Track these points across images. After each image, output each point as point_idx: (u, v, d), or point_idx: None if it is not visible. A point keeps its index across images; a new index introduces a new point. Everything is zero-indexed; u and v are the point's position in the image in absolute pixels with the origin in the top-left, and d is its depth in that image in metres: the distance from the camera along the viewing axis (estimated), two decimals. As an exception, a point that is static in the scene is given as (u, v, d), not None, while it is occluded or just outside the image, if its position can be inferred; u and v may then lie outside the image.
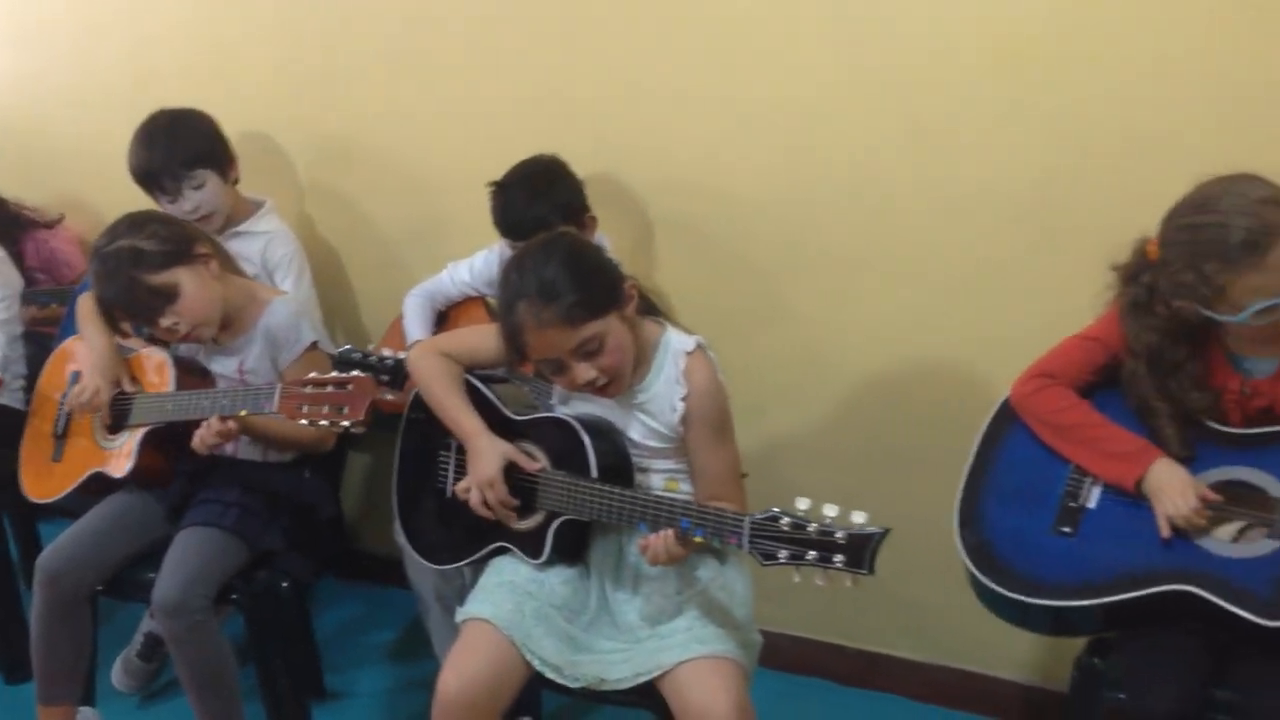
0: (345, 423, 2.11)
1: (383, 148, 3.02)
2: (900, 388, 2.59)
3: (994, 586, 1.98)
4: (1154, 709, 1.82)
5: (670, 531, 1.85)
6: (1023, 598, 1.95)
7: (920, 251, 2.50)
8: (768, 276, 2.66)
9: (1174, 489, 1.90)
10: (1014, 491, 2.05)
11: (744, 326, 2.71)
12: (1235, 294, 1.83)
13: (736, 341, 2.71)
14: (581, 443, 1.99)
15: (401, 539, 2.26)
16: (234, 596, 2.39)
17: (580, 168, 2.60)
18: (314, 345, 2.50)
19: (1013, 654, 2.62)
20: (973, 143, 2.40)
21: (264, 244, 2.88)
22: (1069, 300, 2.12)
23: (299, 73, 3.04)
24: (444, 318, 2.82)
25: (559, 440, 2.03)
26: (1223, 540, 1.89)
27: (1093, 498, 2.00)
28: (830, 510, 1.74)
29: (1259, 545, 1.86)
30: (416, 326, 2.75)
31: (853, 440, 2.67)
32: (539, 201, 2.50)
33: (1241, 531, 1.89)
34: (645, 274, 2.75)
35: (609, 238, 2.67)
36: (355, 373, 2.15)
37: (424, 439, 2.20)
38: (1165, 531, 1.89)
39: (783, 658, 2.84)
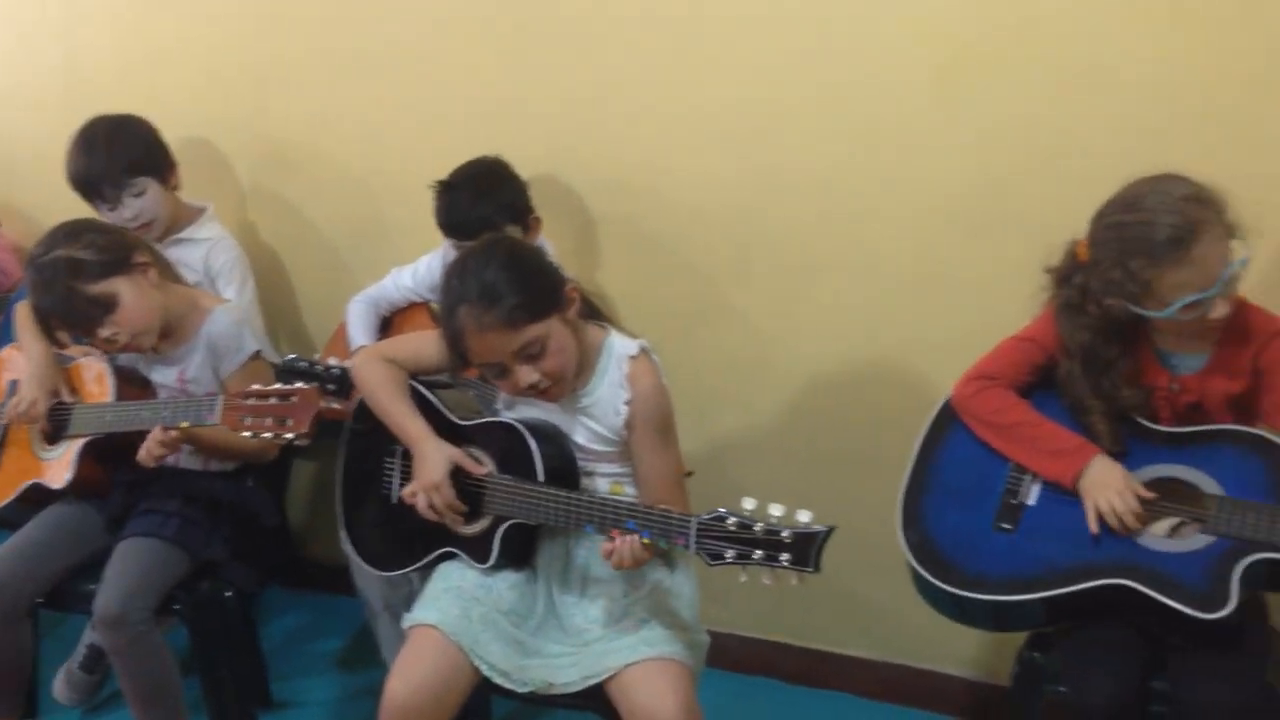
0: (289, 435, 2.09)
1: (325, 151, 3.00)
2: (846, 388, 2.62)
3: (936, 583, 2.01)
4: (1092, 700, 1.86)
5: (635, 536, 1.85)
6: (964, 593, 1.98)
7: (864, 254, 2.53)
8: (712, 278, 2.68)
9: (1110, 486, 1.93)
10: (955, 490, 2.08)
11: (689, 328, 2.72)
12: (1162, 290, 1.88)
13: (681, 343, 2.73)
14: (528, 447, 1.99)
15: (347, 547, 2.24)
16: (176, 607, 2.37)
17: (524, 169, 2.60)
18: (256, 354, 2.47)
19: (959, 650, 2.65)
20: (915, 147, 2.43)
21: (206, 251, 2.85)
22: (1010, 300, 2.15)
23: (237, 77, 3.01)
24: (388, 323, 2.81)
25: (505, 444, 2.03)
26: (1158, 535, 1.93)
27: (1032, 495, 2.04)
28: (776, 510, 1.75)
29: (1193, 540, 1.90)
30: (360, 333, 2.73)
31: (798, 440, 2.69)
32: (484, 202, 2.50)
33: (1176, 527, 1.93)
34: (590, 276, 2.76)
35: (552, 241, 2.68)
36: (299, 384, 2.13)
37: (369, 446, 2.19)
38: (1094, 526, 1.93)
39: (731, 658, 2.85)
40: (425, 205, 2.61)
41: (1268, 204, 2.04)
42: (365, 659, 2.80)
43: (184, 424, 2.22)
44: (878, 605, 2.68)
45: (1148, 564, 1.89)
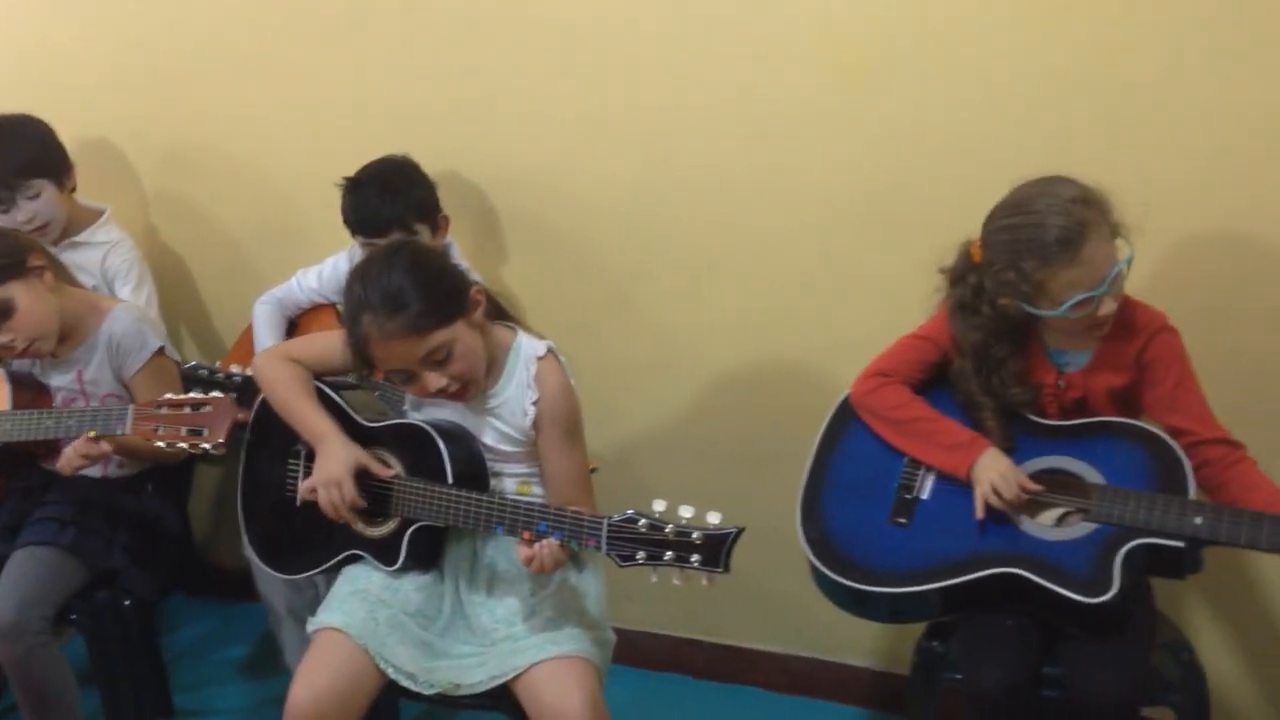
0: (206, 445, 2.06)
1: (227, 152, 2.97)
2: (750, 385, 2.66)
3: (835, 577, 2.04)
4: (985, 687, 1.91)
5: (553, 540, 1.85)
6: (861, 587, 2.02)
7: (765, 251, 2.57)
8: (616, 277, 2.70)
9: (998, 476, 1.99)
10: (853, 486, 2.13)
11: (595, 327, 2.74)
12: (1053, 289, 1.94)
13: (588, 342, 2.74)
14: (436, 448, 1.99)
15: (249, 551, 2.21)
16: (73, 617, 2.32)
17: (429, 169, 2.60)
18: (160, 351, 2.44)
19: (864, 641, 2.70)
20: (813, 146, 2.48)
21: (103, 254, 2.81)
22: (909, 298, 2.20)
23: (136, 77, 2.96)
24: (294, 325, 2.78)
25: (413, 446, 2.02)
26: (1046, 525, 1.99)
27: (926, 489, 2.09)
28: (686, 511, 1.77)
29: (1078, 528, 1.96)
30: (267, 334, 2.70)
31: (705, 437, 2.72)
32: (393, 199, 2.49)
33: (1062, 517, 2.00)
34: (495, 276, 2.76)
35: (458, 242, 2.67)
36: (216, 393, 2.10)
37: (271, 448, 2.17)
38: (980, 513, 1.99)
39: (644, 654, 2.88)
40: (330, 205, 2.59)
41: (1150, 204, 2.13)
42: (270, 666, 2.77)
43: (91, 433, 2.17)
44: (784, 600, 2.72)
45: (1035, 553, 1.94)
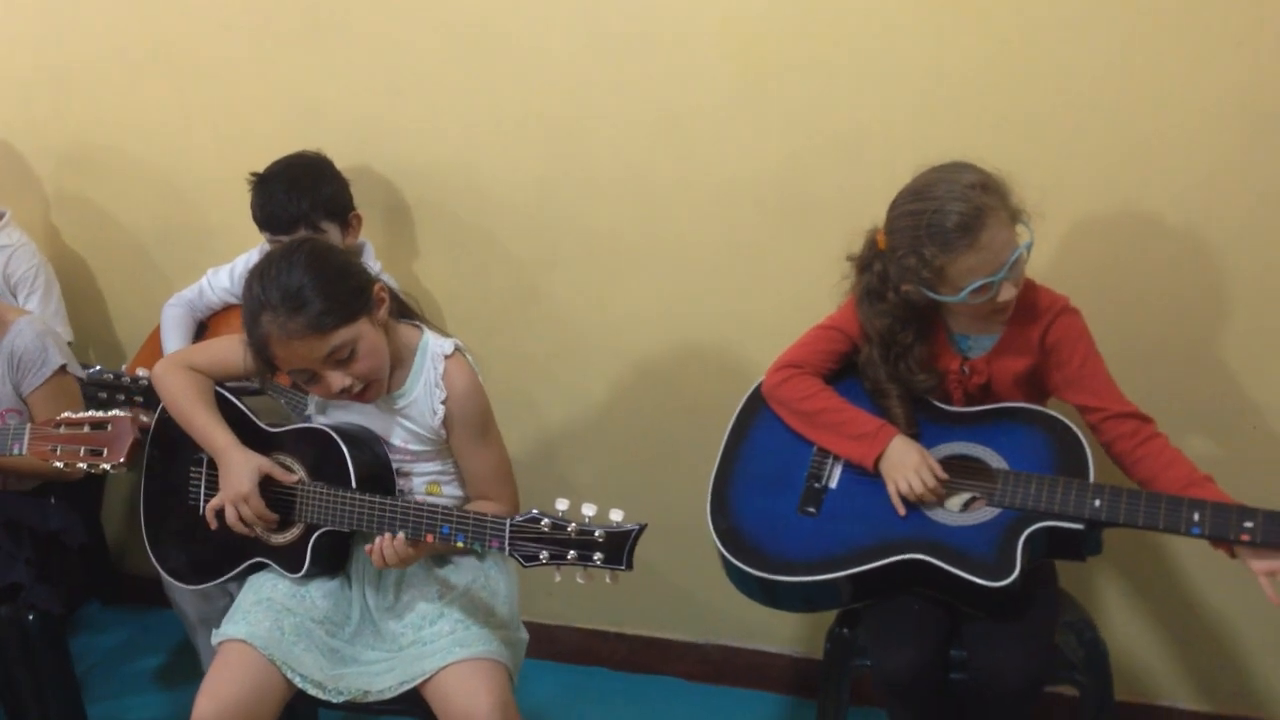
0: (106, 465, 2.01)
1: (130, 153, 2.90)
2: (664, 375, 2.66)
3: (744, 568, 2.05)
4: (893, 671, 1.94)
5: (399, 535, 1.85)
6: (770, 576, 2.03)
7: (675, 243, 2.57)
8: (529, 270, 2.69)
9: (908, 466, 2.01)
10: (762, 476, 2.14)
11: (509, 322, 2.73)
12: (953, 275, 1.96)
13: (503, 337, 2.74)
14: (340, 452, 1.96)
15: (154, 561, 2.18)
16: (-24, 634, 2.26)
17: (338, 166, 2.57)
18: (62, 369, 2.37)
19: (779, 629, 2.72)
20: (720, 134, 2.48)
21: (5, 259, 2.74)
22: (819, 285, 2.22)
23: (35, 78, 2.89)
24: (204, 328, 2.73)
25: (316, 451, 2.00)
26: (952, 511, 2.02)
27: (834, 479, 2.10)
28: (589, 509, 1.77)
29: (982, 513, 1.99)
30: (175, 338, 2.65)
31: (621, 429, 2.73)
32: (301, 196, 2.46)
33: (968, 502, 2.02)
34: (409, 274, 2.74)
35: (370, 240, 2.65)
36: (114, 411, 2.05)
37: (172, 457, 2.13)
38: (900, 509, 2.01)
39: (564, 648, 2.89)
40: (236, 204, 2.56)
41: (1049, 188, 2.16)
42: (187, 674, 2.74)
43: None
44: (702, 590, 2.74)
45: (940, 539, 1.97)
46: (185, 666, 2.76)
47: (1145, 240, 2.29)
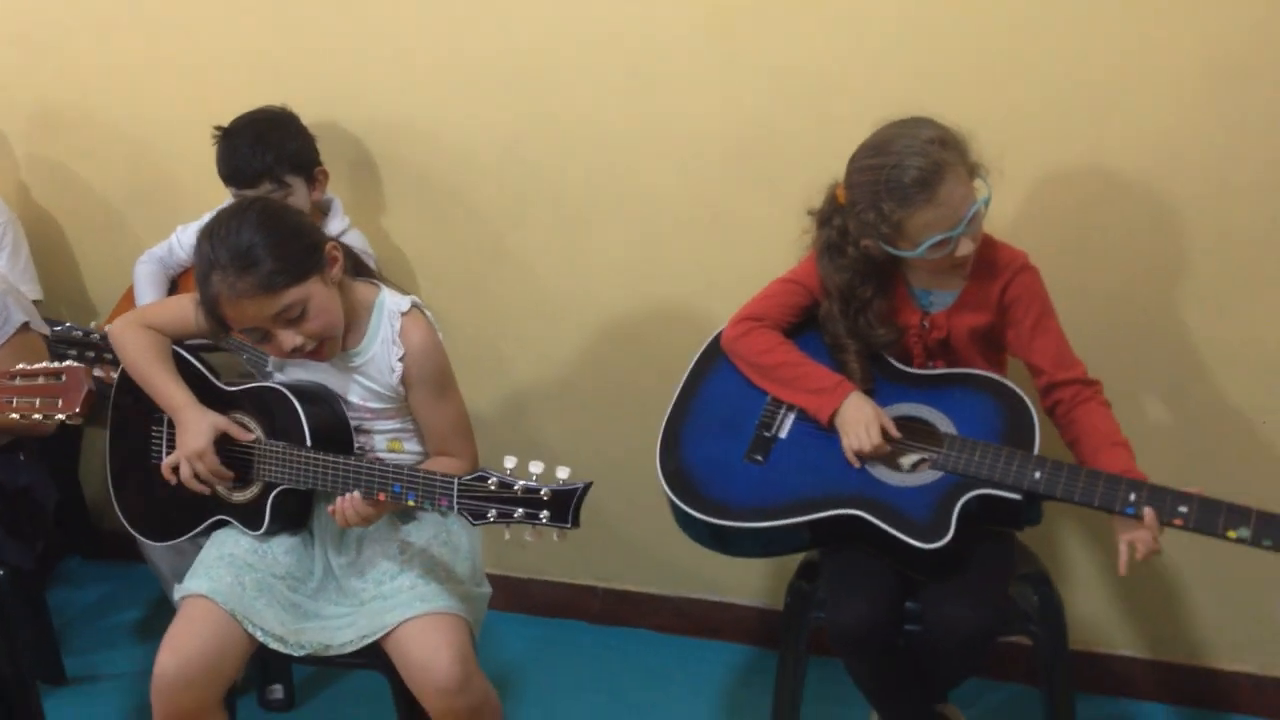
0: (60, 415, 2.01)
1: (97, 110, 2.89)
2: (632, 330, 2.67)
3: (688, 510, 2.06)
4: (847, 623, 1.95)
5: (356, 494, 1.86)
6: (711, 520, 2.04)
7: (642, 197, 2.56)
8: (497, 225, 2.68)
9: (859, 423, 2.01)
10: (713, 422, 2.14)
11: (478, 277, 2.73)
12: (911, 230, 1.95)
13: (472, 294, 2.74)
14: (295, 411, 1.97)
15: (120, 518, 2.20)
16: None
17: (304, 122, 2.56)
18: (25, 326, 2.37)
19: (751, 582, 2.74)
20: (688, 90, 2.46)
21: (-26, 217, 2.73)
22: (782, 237, 2.22)
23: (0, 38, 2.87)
24: (175, 285, 2.73)
25: (272, 409, 2.01)
26: (900, 470, 2.02)
27: (785, 428, 2.11)
28: (535, 467, 1.77)
29: (926, 475, 1.99)
30: (149, 295, 2.65)
31: (590, 385, 2.73)
32: (265, 150, 2.45)
33: (916, 464, 2.03)
34: (376, 229, 2.73)
35: (337, 195, 2.64)
36: (69, 362, 2.05)
37: (135, 415, 2.14)
38: (855, 463, 2.01)
39: (537, 602, 2.92)
40: (205, 162, 2.55)
41: (1012, 144, 2.15)
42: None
43: None
44: (673, 544, 2.69)
45: (879, 497, 1.97)
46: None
47: (1105, 198, 2.28)
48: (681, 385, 2.20)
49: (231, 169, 2.47)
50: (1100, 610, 2.50)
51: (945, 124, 1.98)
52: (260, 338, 1.94)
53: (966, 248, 1.97)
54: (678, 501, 2.08)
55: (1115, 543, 1.91)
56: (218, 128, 2.51)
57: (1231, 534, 1.81)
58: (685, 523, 2.11)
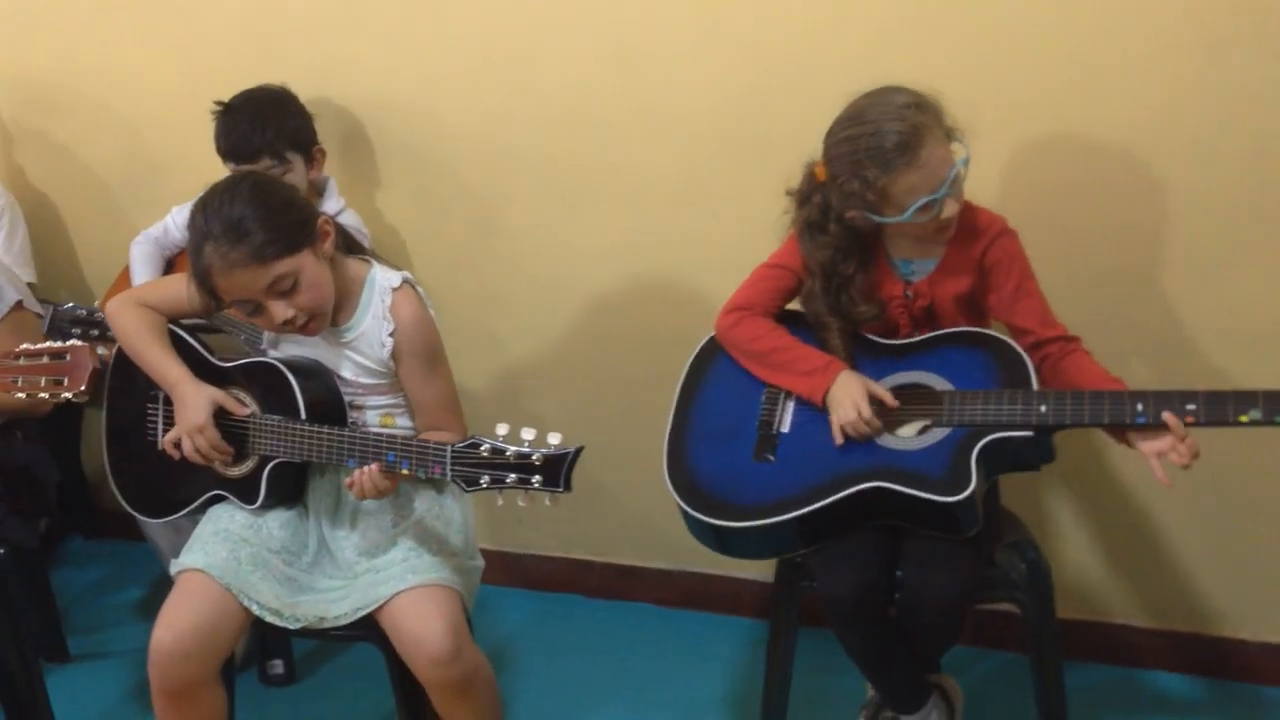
0: (67, 394, 2.03)
1: (91, 91, 2.91)
2: (623, 306, 2.68)
3: (709, 520, 2.05)
4: (837, 592, 1.97)
5: (374, 466, 1.88)
6: (733, 524, 2.03)
7: (633, 174, 2.57)
8: (491, 205, 2.69)
9: (847, 399, 2.02)
10: (715, 431, 2.14)
11: (471, 255, 2.74)
12: (896, 194, 1.96)
13: (466, 272, 2.75)
14: (289, 385, 1.99)
15: (118, 497, 2.22)
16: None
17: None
18: (18, 305, 2.39)
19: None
20: (677, 66, 2.47)
21: (-32, 198, 2.75)
22: (771, 212, 2.21)
23: (-12, 16, 2.88)
24: (171, 265, 2.75)
25: (267, 384, 2.03)
26: (907, 437, 2.03)
27: (786, 423, 2.11)
28: (528, 434, 1.80)
29: (933, 435, 2.00)
30: (144, 275, 2.67)
31: (582, 360, 2.75)
32: (265, 127, 2.47)
33: (923, 428, 2.04)
34: (369, 209, 2.75)
35: (335, 177, 2.65)
36: (73, 341, 2.07)
37: (131, 393, 2.16)
38: (838, 439, 2.02)
39: (536, 577, 2.94)
40: (199, 142, 2.56)
41: (999, 112, 2.16)
42: None
43: None
44: (669, 518, 2.72)
45: (895, 464, 1.98)
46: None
47: (1090, 165, 2.28)
48: (677, 397, 2.20)
49: (231, 144, 2.49)
50: (1097, 577, 2.52)
51: (917, 89, 1.99)
52: (252, 310, 1.96)
53: (951, 208, 1.99)
54: (696, 514, 2.06)
55: (1147, 464, 1.91)
56: (218, 103, 2.53)
57: (1244, 418, 1.83)
58: (703, 532, 2.11)
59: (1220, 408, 1.85)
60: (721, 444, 2.13)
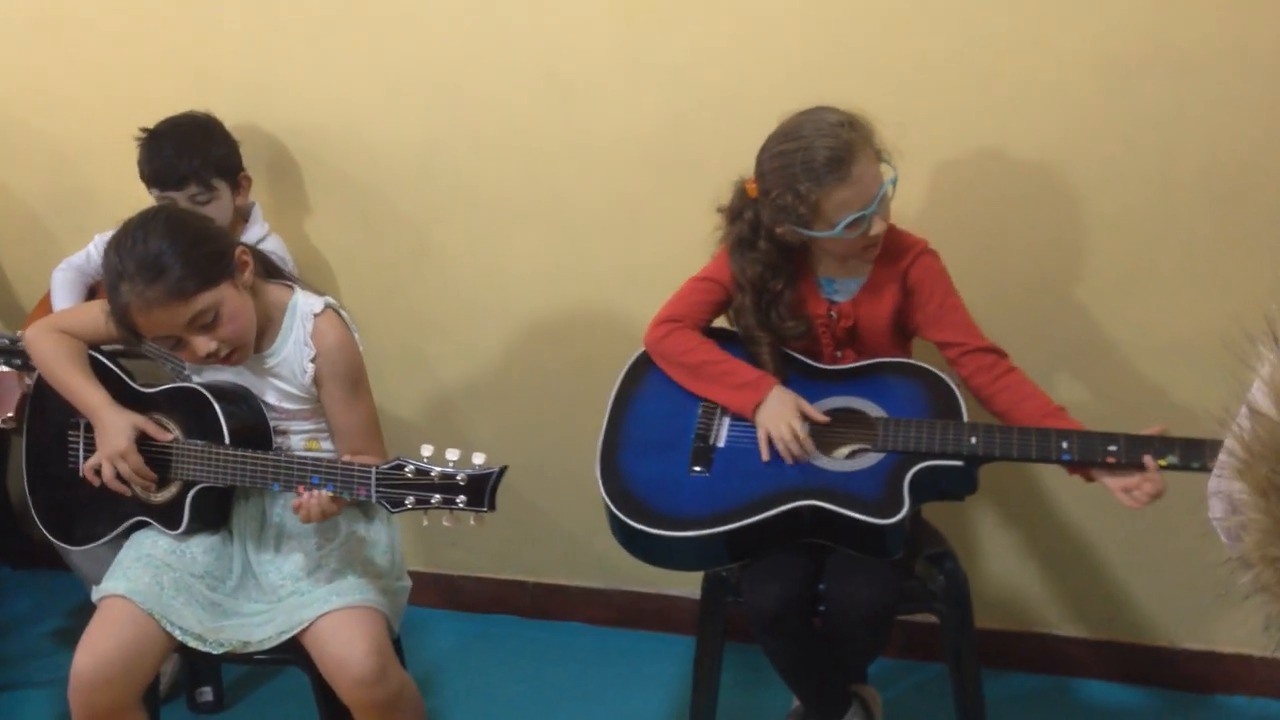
0: None
1: (17, 117, 2.89)
2: (555, 330, 2.70)
3: (641, 528, 2.06)
4: (762, 606, 1.99)
5: (324, 491, 1.88)
6: (666, 533, 2.04)
7: (562, 198, 2.60)
8: (421, 230, 2.71)
9: (781, 416, 2.05)
10: (650, 441, 2.15)
11: (401, 280, 2.75)
12: (828, 209, 2.01)
13: (397, 296, 2.76)
14: (213, 409, 1.99)
15: (38, 524, 2.20)
16: None
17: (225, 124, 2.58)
18: (-54, 329, 2.37)
19: (679, 574, 2.72)
20: (603, 92, 2.51)
21: (-107, 225, 2.71)
22: (702, 235, 2.25)
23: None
24: (94, 293, 2.73)
25: (190, 409, 2.02)
26: (839, 459, 2.07)
27: (722, 437, 2.13)
28: (452, 454, 1.81)
29: (867, 459, 2.04)
30: (65, 302, 2.63)
31: (515, 384, 2.76)
32: (191, 154, 2.47)
33: (854, 452, 2.08)
34: (298, 234, 2.75)
35: (258, 201, 2.65)
36: (1, 367, 2.06)
37: (51, 420, 2.15)
38: (764, 453, 2.05)
39: (469, 598, 2.94)
40: (126, 169, 2.56)
41: (916, 134, 2.20)
42: None
43: None
44: (602, 537, 2.72)
45: (829, 484, 2.01)
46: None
47: (1006, 185, 2.34)
48: (609, 410, 2.21)
49: (156, 170, 2.48)
50: (1019, 587, 2.57)
51: (848, 109, 2.04)
52: (174, 345, 1.95)
53: (879, 226, 2.04)
54: (629, 521, 2.06)
55: (1113, 495, 1.96)
56: (143, 129, 2.52)
57: (1162, 462, 1.90)
58: (632, 541, 2.11)
59: (1140, 451, 1.91)
60: (656, 454, 2.14)
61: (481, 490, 1.78)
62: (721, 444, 2.13)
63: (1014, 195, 2.35)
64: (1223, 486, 1.27)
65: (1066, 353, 2.40)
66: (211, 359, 1.95)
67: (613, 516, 2.12)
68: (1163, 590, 2.50)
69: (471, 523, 1.80)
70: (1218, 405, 1.29)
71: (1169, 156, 2.25)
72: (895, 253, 2.13)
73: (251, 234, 2.56)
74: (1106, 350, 2.38)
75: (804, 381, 2.13)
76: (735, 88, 2.43)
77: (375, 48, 2.60)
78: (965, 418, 2.01)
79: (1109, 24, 2.21)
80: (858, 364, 2.15)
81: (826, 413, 2.08)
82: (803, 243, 2.08)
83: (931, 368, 2.09)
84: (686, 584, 2.79)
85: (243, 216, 2.61)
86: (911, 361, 2.13)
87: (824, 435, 2.08)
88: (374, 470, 1.83)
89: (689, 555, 2.12)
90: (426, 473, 1.80)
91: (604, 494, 2.12)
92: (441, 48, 2.56)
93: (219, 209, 2.47)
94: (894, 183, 2.05)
